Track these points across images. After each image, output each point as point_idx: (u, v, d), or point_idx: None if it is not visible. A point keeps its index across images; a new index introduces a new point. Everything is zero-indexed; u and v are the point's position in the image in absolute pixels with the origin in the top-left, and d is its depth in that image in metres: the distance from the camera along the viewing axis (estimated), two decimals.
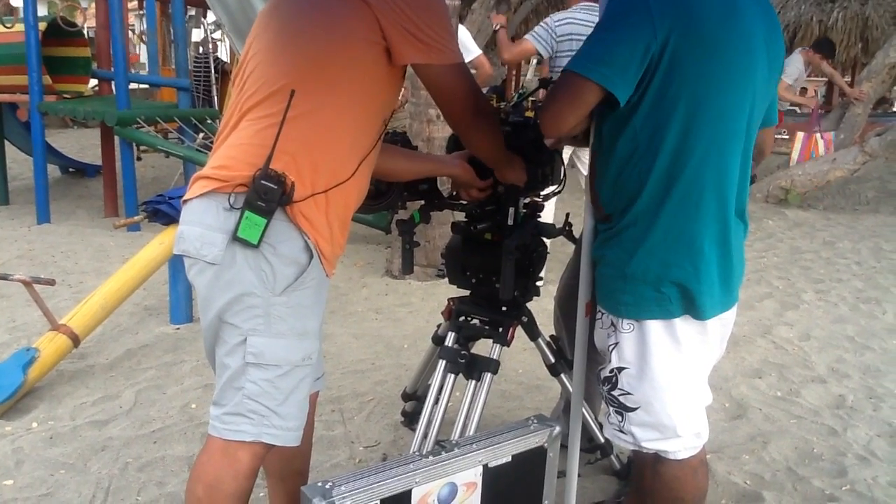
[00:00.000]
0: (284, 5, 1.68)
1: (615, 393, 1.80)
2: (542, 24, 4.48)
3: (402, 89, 5.68)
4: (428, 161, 2.36)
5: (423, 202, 2.26)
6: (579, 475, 2.18)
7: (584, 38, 5.01)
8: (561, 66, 4.38)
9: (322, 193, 1.59)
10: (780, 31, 1.81)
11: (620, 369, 1.78)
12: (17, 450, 2.72)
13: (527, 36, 4.49)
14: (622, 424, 1.81)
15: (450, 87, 1.71)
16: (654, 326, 1.72)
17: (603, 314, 1.84)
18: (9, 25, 6.61)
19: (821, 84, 21.42)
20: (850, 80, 14.84)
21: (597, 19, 5.06)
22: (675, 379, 1.74)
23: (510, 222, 2.18)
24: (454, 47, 1.66)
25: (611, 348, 1.80)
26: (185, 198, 1.65)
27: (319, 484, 1.56)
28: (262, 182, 1.50)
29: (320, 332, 1.75)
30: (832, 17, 12.96)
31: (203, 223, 1.58)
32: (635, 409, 1.78)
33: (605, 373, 1.82)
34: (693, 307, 1.71)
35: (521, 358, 3.56)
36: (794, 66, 7.79)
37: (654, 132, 1.65)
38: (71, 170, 8.69)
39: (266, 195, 1.50)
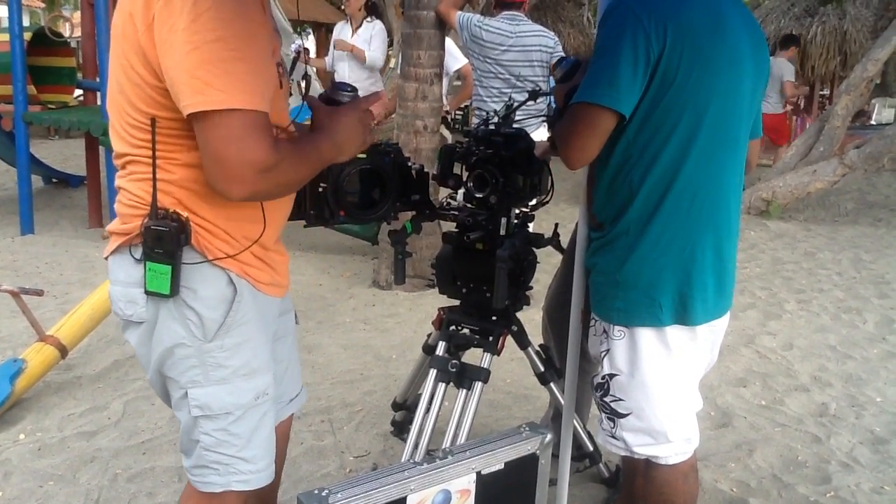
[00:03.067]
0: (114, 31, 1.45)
1: (607, 399, 1.83)
2: (475, 16, 4.70)
3: (388, 100, 5.70)
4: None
5: (414, 213, 2.28)
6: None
7: (489, 45, 5.33)
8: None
9: (240, 254, 1.49)
10: (765, 44, 1.86)
11: (612, 376, 1.81)
12: (5, 461, 2.70)
13: (460, 13, 4.67)
14: (614, 430, 1.84)
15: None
16: (645, 333, 1.75)
17: (596, 321, 1.87)
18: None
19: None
20: (828, 93, 15.06)
21: (518, 29, 5.42)
22: (666, 385, 1.78)
23: (502, 232, 2.21)
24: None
25: (603, 355, 1.83)
26: (104, 255, 1.58)
27: (315, 491, 1.56)
28: (153, 228, 1.40)
29: (270, 359, 1.63)
30: (811, 32, 13.17)
31: (120, 281, 1.52)
32: (627, 414, 1.81)
33: (598, 379, 1.85)
34: (685, 314, 1.74)
35: (508, 367, 3.58)
36: (788, 66, 8.69)
37: (647, 143, 1.69)
38: (54, 180, 8.62)
39: (161, 240, 1.40)
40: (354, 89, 1.61)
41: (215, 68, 1.27)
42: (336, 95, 1.58)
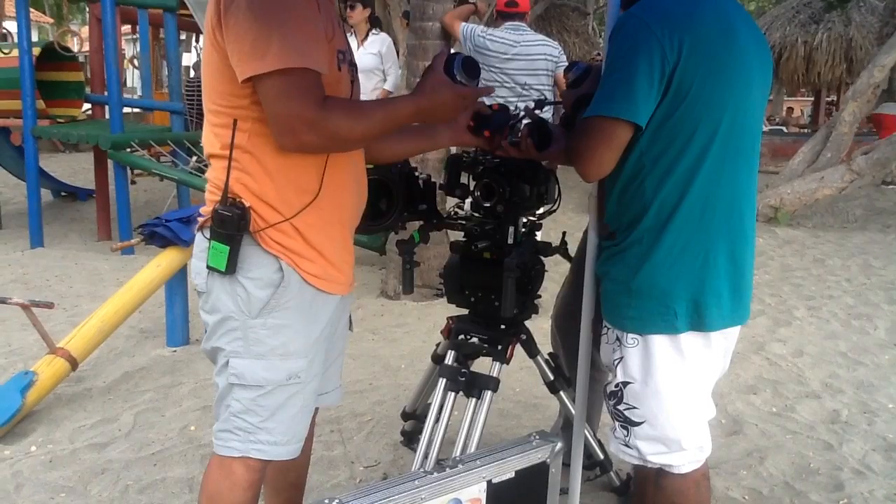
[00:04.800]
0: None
1: (620, 407, 1.82)
2: (478, 27, 4.80)
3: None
4: (421, 138, 2.03)
5: (422, 222, 2.28)
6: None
7: (492, 54, 5.40)
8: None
9: (286, 221, 1.61)
10: (769, 52, 1.86)
11: (625, 384, 1.80)
12: (17, 473, 2.71)
13: (464, 24, 4.76)
14: (627, 439, 1.83)
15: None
16: (659, 341, 1.74)
17: (608, 329, 1.86)
18: (6, 51, 6.63)
19: (807, 104, 21.64)
20: (835, 99, 15.03)
21: (522, 38, 5.49)
22: (680, 393, 1.77)
23: (510, 241, 2.21)
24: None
25: (616, 363, 1.82)
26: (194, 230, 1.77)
27: (326, 501, 1.57)
28: (219, 212, 1.59)
29: (316, 349, 1.73)
30: (817, 39, 13.19)
31: (196, 254, 1.72)
32: (640, 423, 1.80)
33: (611, 387, 1.84)
34: (700, 320, 1.73)
35: (517, 376, 3.58)
36: None
37: (661, 153, 1.69)
38: (63, 194, 8.68)
39: (224, 223, 1.58)
40: (476, 76, 1.74)
41: (261, 40, 1.45)
42: (458, 73, 1.69)
